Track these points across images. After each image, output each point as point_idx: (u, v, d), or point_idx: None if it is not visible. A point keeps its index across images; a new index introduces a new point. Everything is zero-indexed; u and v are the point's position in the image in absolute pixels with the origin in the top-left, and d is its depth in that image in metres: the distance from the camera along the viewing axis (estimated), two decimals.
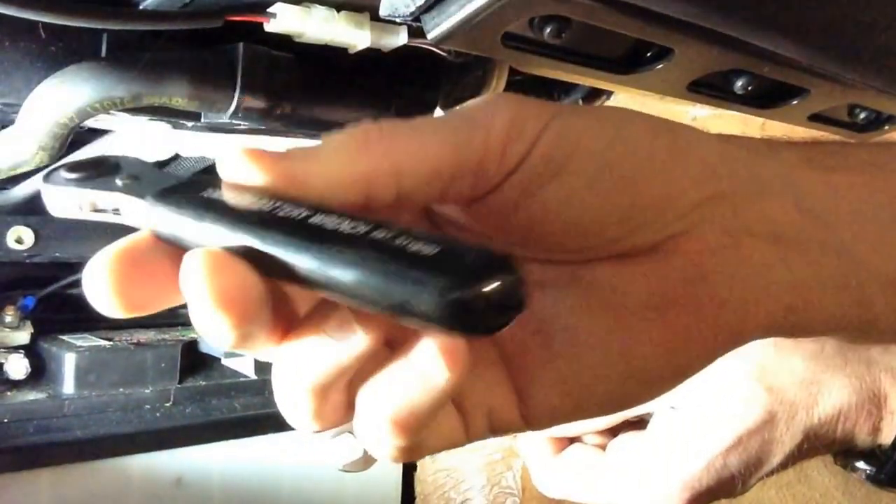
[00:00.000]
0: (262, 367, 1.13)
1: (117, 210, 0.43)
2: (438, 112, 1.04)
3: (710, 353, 0.49)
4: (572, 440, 0.83)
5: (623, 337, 0.47)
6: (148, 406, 1.03)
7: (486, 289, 0.34)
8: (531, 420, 0.47)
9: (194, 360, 1.11)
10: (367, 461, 0.49)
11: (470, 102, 0.47)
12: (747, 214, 0.48)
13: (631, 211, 0.46)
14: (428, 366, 0.38)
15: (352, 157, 0.41)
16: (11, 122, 0.79)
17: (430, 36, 0.57)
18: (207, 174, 0.43)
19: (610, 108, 0.48)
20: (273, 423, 1.14)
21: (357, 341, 0.39)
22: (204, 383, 1.09)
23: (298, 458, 1.19)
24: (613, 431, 0.82)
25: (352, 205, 0.41)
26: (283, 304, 0.42)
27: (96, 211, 0.44)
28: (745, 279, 0.48)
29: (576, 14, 0.57)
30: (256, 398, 1.12)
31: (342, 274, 0.35)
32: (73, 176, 0.44)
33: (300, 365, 0.41)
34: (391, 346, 0.41)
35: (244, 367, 1.13)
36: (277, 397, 0.42)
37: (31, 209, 1.04)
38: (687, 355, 0.48)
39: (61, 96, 0.75)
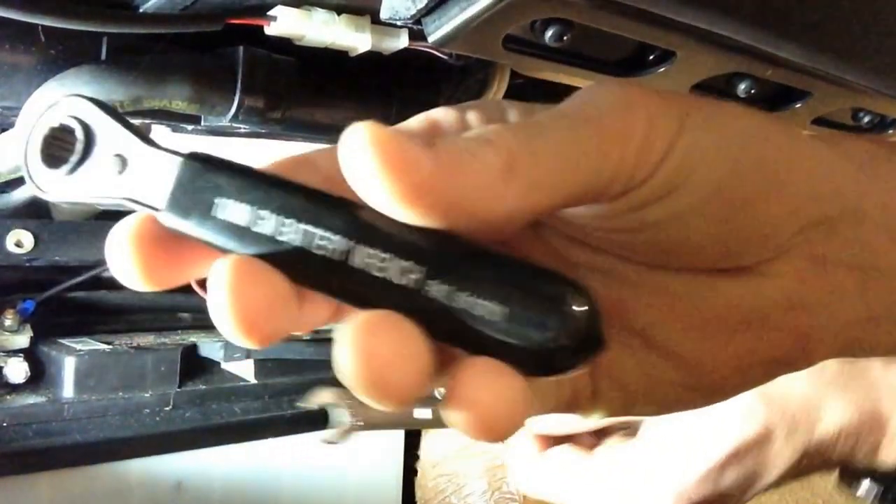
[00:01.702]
0: (262, 372, 1.13)
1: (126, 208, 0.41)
2: None
3: (777, 373, 0.48)
4: (559, 439, 0.80)
5: (698, 350, 0.46)
6: (148, 410, 1.03)
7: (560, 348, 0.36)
8: (580, 408, 0.47)
9: (194, 364, 1.11)
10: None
11: (595, 97, 0.42)
12: (841, 243, 0.46)
13: (735, 237, 0.44)
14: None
15: (498, 189, 0.37)
16: (11, 125, 0.79)
17: (431, 39, 0.57)
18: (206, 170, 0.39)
19: (738, 111, 0.44)
20: (273, 427, 1.14)
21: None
22: (204, 387, 1.09)
23: (298, 462, 1.19)
24: (603, 433, 0.80)
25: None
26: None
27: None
28: (826, 309, 0.46)
29: (577, 17, 0.57)
30: (256, 402, 1.12)
31: None
32: (54, 170, 0.40)
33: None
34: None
35: (244, 371, 1.13)
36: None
37: (31, 213, 1.04)
38: (753, 375, 0.48)
39: None
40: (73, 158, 0.40)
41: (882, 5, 0.69)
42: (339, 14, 0.79)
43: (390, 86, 0.98)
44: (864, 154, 0.51)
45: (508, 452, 0.81)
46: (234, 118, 0.83)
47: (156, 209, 0.39)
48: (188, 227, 0.38)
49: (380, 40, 0.81)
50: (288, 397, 1.15)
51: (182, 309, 1.28)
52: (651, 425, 0.75)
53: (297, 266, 0.37)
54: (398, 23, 0.58)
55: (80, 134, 0.40)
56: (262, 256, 0.37)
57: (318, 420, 1.19)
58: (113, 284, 1.21)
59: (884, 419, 0.71)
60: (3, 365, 0.98)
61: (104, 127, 0.40)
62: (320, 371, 1.19)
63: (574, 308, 0.37)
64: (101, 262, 1.09)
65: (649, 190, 0.41)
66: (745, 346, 0.46)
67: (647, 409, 0.49)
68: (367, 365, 0.35)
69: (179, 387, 1.06)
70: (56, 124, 0.40)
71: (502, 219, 0.37)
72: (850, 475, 0.77)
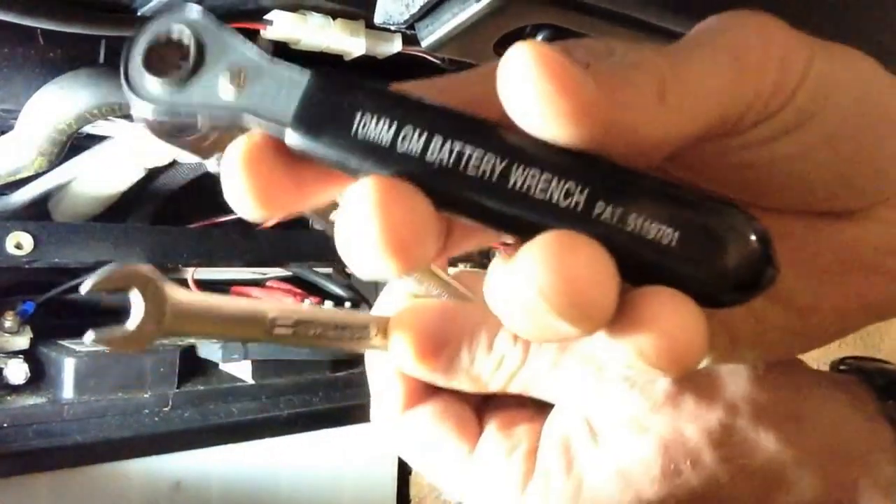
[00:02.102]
0: (259, 373, 1.13)
1: (239, 125, 0.37)
2: None
3: (873, 320, 0.49)
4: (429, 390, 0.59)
5: (809, 294, 0.46)
6: (147, 410, 1.03)
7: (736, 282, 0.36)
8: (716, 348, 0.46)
9: (192, 365, 1.11)
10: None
11: (732, 27, 0.41)
12: None
13: (857, 173, 0.43)
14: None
15: (652, 112, 0.36)
16: (10, 127, 0.80)
17: (423, 44, 0.57)
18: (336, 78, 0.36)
19: (857, 54, 0.43)
20: (270, 427, 1.15)
21: None
22: (202, 388, 1.09)
23: (295, 461, 1.19)
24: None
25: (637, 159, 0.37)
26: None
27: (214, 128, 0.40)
28: None
29: (566, 23, 0.58)
30: (254, 403, 1.12)
31: None
32: (162, 80, 0.36)
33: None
34: None
35: (241, 372, 1.14)
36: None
37: (31, 215, 1.04)
38: (856, 318, 0.48)
39: (60, 102, 0.76)
40: (186, 66, 0.36)
41: (873, 4, 0.70)
42: (334, 19, 0.79)
43: None
44: None
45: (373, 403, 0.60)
46: None
47: (283, 124, 0.35)
48: (319, 145, 0.35)
49: (374, 45, 0.82)
50: (285, 398, 1.15)
51: None
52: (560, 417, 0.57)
53: (449, 188, 0.35)
54: (392, 28, 0.58)
55: (191, 42, 0.36)
56: (409, 177, 0.34)
57: (315, 420, 1.19)
58: None
59: (854, 487, 0.55)
60: (3, 366, 0.98)
61: (219, 38, 0.37)
62: (316, 372, 1.19)
63: (751, 235, 0.36)
64: (100, 264, 1.10)
65: (782, 121, 0.40)
66: (853, 290, 0.46)
67: (750, 355, 0.49)
68: (570, 286, 0.33)
69: (178, 387, 1.06)
70: (164, 31, 0.36)
71: (653, 143, 0.37)
72: None
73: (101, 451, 1.01)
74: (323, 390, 1.20)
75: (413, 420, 0.55)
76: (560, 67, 0.33)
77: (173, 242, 1.04)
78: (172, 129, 0.40)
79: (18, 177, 0.82)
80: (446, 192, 0.34)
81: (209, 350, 1.12)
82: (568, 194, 0.34)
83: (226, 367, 1.13)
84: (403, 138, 0.34)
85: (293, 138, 0.35)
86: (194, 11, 0.37)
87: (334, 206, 0.37)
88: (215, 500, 1.12)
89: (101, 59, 0.80)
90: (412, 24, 0.57)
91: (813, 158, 0.42)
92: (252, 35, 0.77)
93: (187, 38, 0.36)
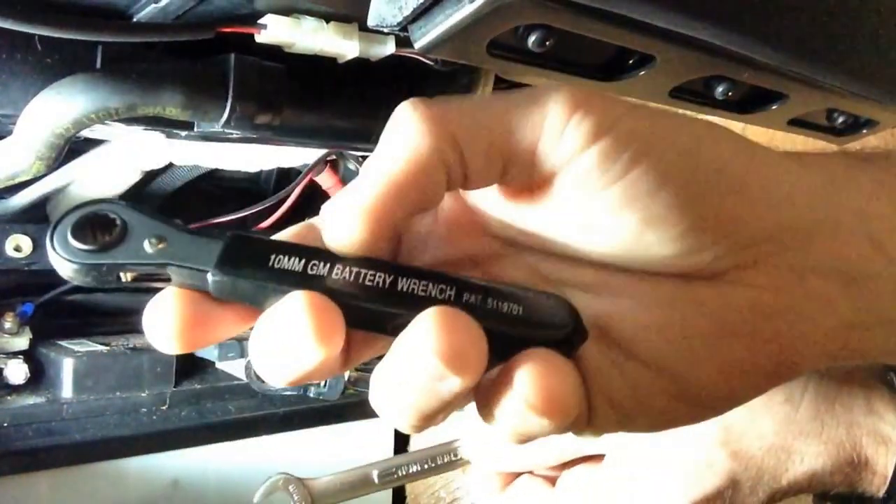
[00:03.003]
0: (256, 371, 1.13)
1: (160, 278, 0.46)
2: None
3: (765, 385, 0.50)
4: (518, 475, 0.80)
5: (680, 359, 0.47)
6: (144, 409, 1.03)
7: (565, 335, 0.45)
8: (577, 428, 0.49)
9: (189, 364, 1.11)
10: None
11: (538, 85, 0.47)
12: (818, 252, 0.48)
13: (697, 226, 0.45)
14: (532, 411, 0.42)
15: (421, 133, 0.44)
16: (9, 132, 0.80)
17: (417, 45, 0.57)
18: (239, 237, 0.46)
19: (688, 117, 0.47)
20: (266, 425, 1.15)
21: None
22: (199, 387, 1.09)
23: (292, 459, 1.20)
24: (565, 466, 0.78)
25: (435, 186, 0.45)
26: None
27: (135, 280, 0.46)
28: (807, 318, 0.48)
29: (559, 23, 0.58)
30: (250, 401, 1.12)
31: None
32: (86, 247, 0.45)
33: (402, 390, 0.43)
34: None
35: (238, 370, 1.14)
36: (377, 402, 0.46)
37: (30, 218, 1.04)
38: (742, 385, 0.49)
39: (57, 107, 0.76)
40: (110, 236, 0.45)
41: (855, 10, 0.70)
42: (327, 22, 0.80)
43: (378, 91, 0.98)
44: (835, 166, 0.53)
45: (474, 491, 0.83)
46: (227, 124, 0.83)
47: (203, 270, 0.44)
48: (240, 279, 0.44)
49: (367, 47, 0.82)
50: (281, 396, 1.16)
51: None
52: (614, 457, 0.74)
53: (351, 297, 0.44)
54: (385, 30, 0.58)
55: (117, 218, 0.45)
56: (321, 291, 0.43)
57: (310, 418, 1.20)
58: (110, 287, 1.22)
59: (861, 462, 0.70)
60: (3, 366, 0.98)
61: (142, 217, 0.46)
62: None
63: (567, 307, 0.46)
64: None
65: (593, 164, 0.44)
66: (729, 356, 0.47)
67: (640, 424, 0.50)
68: (449, 343, 0.40)
69: (175, 386, 1.07)
70: (89, 212, 0.46)
71: (436, 155, 0.44)
72: (825, 499, 0.74)
73: (99, 449, 1.02)
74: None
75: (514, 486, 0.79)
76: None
77: None
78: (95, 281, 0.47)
79: (17, 181, 0.82)
80: (352, 299, 0.44)
81: (205, 349, 1.12)
82: (442, 291, 0.45)
83: (222, 366, 1.14)
84: (312, 266, 0.44)
85: (217, 276, 0.44)
86: (115, 203, 0.46)
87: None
88: (212, 496, 1.12)
89: (98, 64, 0.80)
90: (405, 26, 0.57)
91: (642, 208, 0.44)
92: (246, 39, 0.78)
93: (113, 216, 0.46)
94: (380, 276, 0.44)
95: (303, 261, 0.44)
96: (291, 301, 0.41)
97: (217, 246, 0.44)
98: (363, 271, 0.44)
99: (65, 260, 0.44)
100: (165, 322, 0.43)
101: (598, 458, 0.75)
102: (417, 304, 0.43)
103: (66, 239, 0.44)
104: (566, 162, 0.44)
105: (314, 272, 0.44)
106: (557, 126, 0.44)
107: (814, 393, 0.70)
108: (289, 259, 0.44)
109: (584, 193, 0.45)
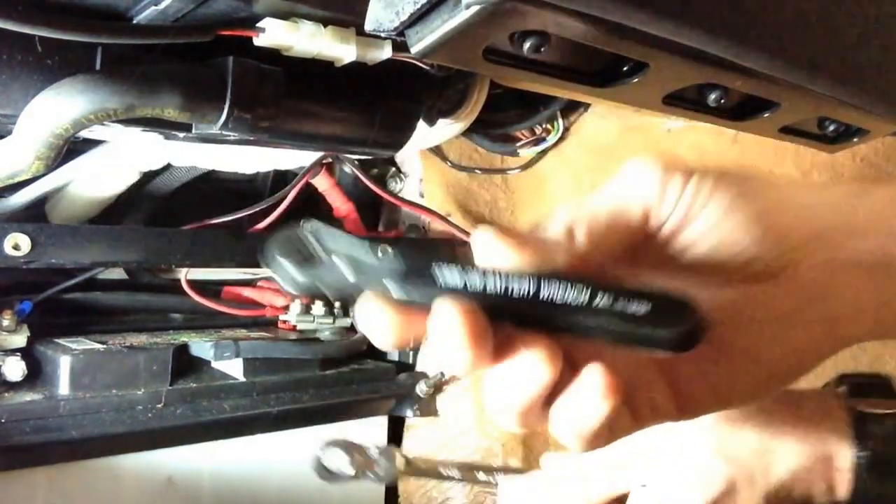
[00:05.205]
0: (251, 370, 1.14)
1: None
2: (421, 123, 1.05)
3: (827, 354, 0.61)
4: None
5: (762, 345, 0.59)
6: (140, 407, 1.03)
7: (689, 330, 0.53)
8: (684, 411, 0.59)
9: (185, 362, 1.11)
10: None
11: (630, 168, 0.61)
12: (841, 249, 0.61)
13: (754, 241, 0.59)
14: (595, 400, 0.53)
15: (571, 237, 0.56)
16: (9, 132, 0.80)
17: (413, 50, 0.58)
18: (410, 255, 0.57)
19: (742, 173, 0.64)
20: (261, 423, 1.16)
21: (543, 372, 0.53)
22: (194, 385, 1.08)
23: (285, 457, 1.20)
24: None
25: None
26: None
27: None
28: (841, 301, 0.60)
29: (554, 29, 0.58)
30: (245, 399, 1.12)
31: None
32: (300, 272, 0.57)
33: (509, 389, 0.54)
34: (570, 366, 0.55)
35: (233, 369, 1.14)
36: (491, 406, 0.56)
37: (28, 217, 1.05)
38: (810, 357, 0.60)
39: (57, 107, 0.76)
40: (313, 257, 0.56)
41: (846, 19, 0.71)
42: (325, 26, 0.80)
43: (374, 95, 0.99)
44: (855, 185, 0.70)
45: None
46: (224, 126, 0.84)
47: (390, 288, 0.54)
48: (416, 292, 0.53)
49: (364, 51, 0.83)
50: (275, 395, 1.16)
51: (174, 310, 1.29)
52: (634, 495, 0.85)
53: (500, 304, 0.52)
54: (382, 34, 0.58)
55: (314, 240, 0.57)
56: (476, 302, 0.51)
57: (304, 417, 1.20)
58: (107, 286, 1.23)
59: (831, 457, 0.81)
60: (1, 364, 0.98)
61: (332, 236, 0.57)
62: (306, 370, 1.21)
63: (688, 306, 0.53)
64: (95, 265, 1.11)
65: (679, 214, 0.59)
66: (793, 336, 0.59)
67: (735, 403, 0.64)
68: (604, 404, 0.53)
69: (171, 385, 1.07)
70: (293, 234, 0.57)
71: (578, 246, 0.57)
72: None
73: (95, 446, 1.02)
74: (313, 388, 1.21)
75: None
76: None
77: (167, 244, 1.05)
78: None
79: (16, 180, 0.83)
80: (501, 307, 0.52)
81: (201, 348, 1.13)
82: (577, 295, 0.52)
83: (218, 365, 1.14)
84: (469, 283, 0.52)
85: (400, 292, 0.53)
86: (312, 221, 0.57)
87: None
88: (206, 494, 1.12)
89: (98, 65, 0.80)
90: (402, 30, 0.58)
91: (716, 233, 0.59)
92: (245, 42, 0.78)
93: (310, 237, 0.57)
94: (524, 288, 0.52)
95: (463, 275, 0.53)
96: (447, 313, 0.51)
97: (394, 262, 0.55)
98: (512, 285, 0.52)
99: (285, 284, 0.56)
100: (381, 323, 0.54)
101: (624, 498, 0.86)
102: (557, 309, 0.52)
103: (278, 260, 0.56)
104: (664, 219, 0.59)
105: (471, 287, 0.52)
106: (655, 204, 0.59)
107: (782, 403, 0.84)
108: (451, 273, 0.53)
109: (676, 233, 0.60)
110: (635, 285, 0.54)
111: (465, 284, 0.52)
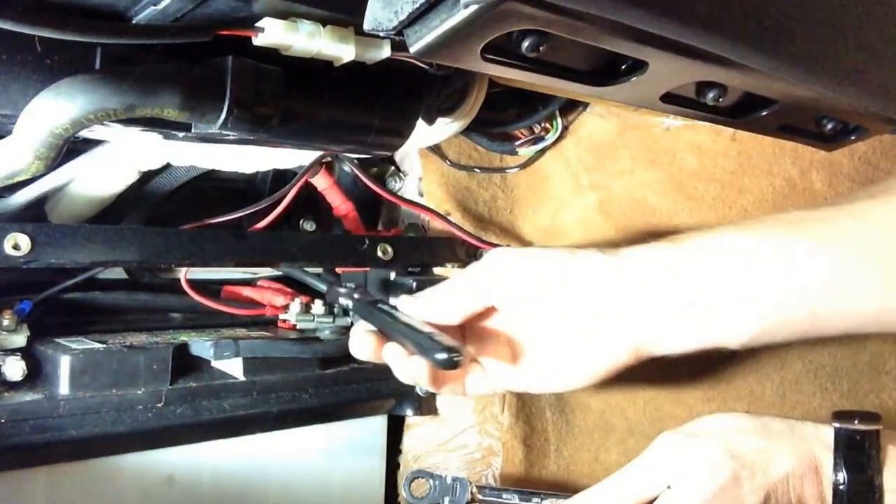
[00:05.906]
0: (251, 369, 1.14)
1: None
2: (420, 122, 1.06)
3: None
4: None
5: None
6: (140, 406, 1.03)
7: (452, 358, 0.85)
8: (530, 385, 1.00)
9: (185, 362, 1.11)
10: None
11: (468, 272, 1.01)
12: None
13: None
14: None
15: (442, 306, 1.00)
16: (8, 132, 0.80)
17: (412, 49, 0.58)
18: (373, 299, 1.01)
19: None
20: (261, 422, 1.16)
21: None
22: (194, 384, 1.08)
23: (285, 456, 1.21)
24: None
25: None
26: None
27: None
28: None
29: (553, 28, 0.59)
30: (245, 399, 1.12)
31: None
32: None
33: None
34: None
35: (233, 369, 1.14)
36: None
37: (28, 216, 1.05)
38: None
39: (57, 107, 0.77)
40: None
41: (844, 19, 0.71)
42: (324, 25, 0.80)
43: (373, 94, 1.00)
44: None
45: None
46: (224, 125, 0.84)
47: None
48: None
49: (363, 51, 0.83)
50: (275, 394, 1.17)
51: (173, 309, 1.29)
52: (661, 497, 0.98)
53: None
54: (381, 34, 0.59)
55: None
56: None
57: (305, 416, 1.20)
58: (107, 286, 1.23)
59: (818, 465, 0.95)
60: (1, 363, 0.98)
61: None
62: (306, 369, 1.21)
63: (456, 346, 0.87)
64: (95, 265, 1.11)
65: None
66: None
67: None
68: None
69: (171, 384, 1.06)
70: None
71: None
72: None
73: (96, 445, 1.02)
74: (313, 387, 1.21)
75: None
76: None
77: (167, 243, 1.04)
78: None
79: (16, 180, 0.83)
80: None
81: (201, 348, 1.13)
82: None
83: (218, 365, 1.14)
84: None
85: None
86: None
87: None
88: (207, 493, 1.12)
89: (98, 65, 0.80)
90: (401, 30, 0.58)
91: (511, 319, 1.03)
92: (244, 42, 0.79)
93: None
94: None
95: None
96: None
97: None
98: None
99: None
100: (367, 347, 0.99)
101: None
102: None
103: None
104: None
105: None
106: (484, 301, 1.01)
107: (782, 423, 0.99)
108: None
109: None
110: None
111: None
